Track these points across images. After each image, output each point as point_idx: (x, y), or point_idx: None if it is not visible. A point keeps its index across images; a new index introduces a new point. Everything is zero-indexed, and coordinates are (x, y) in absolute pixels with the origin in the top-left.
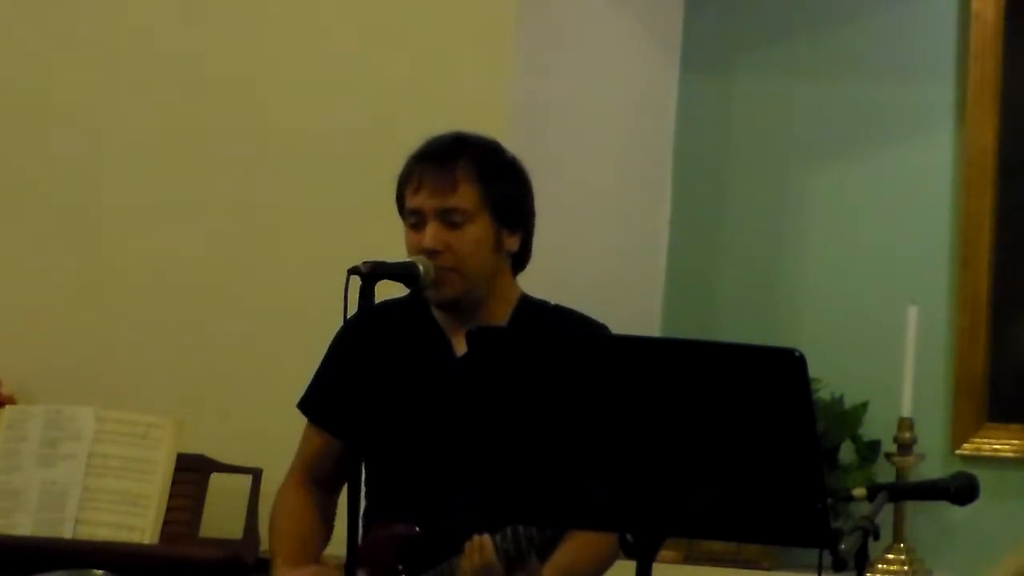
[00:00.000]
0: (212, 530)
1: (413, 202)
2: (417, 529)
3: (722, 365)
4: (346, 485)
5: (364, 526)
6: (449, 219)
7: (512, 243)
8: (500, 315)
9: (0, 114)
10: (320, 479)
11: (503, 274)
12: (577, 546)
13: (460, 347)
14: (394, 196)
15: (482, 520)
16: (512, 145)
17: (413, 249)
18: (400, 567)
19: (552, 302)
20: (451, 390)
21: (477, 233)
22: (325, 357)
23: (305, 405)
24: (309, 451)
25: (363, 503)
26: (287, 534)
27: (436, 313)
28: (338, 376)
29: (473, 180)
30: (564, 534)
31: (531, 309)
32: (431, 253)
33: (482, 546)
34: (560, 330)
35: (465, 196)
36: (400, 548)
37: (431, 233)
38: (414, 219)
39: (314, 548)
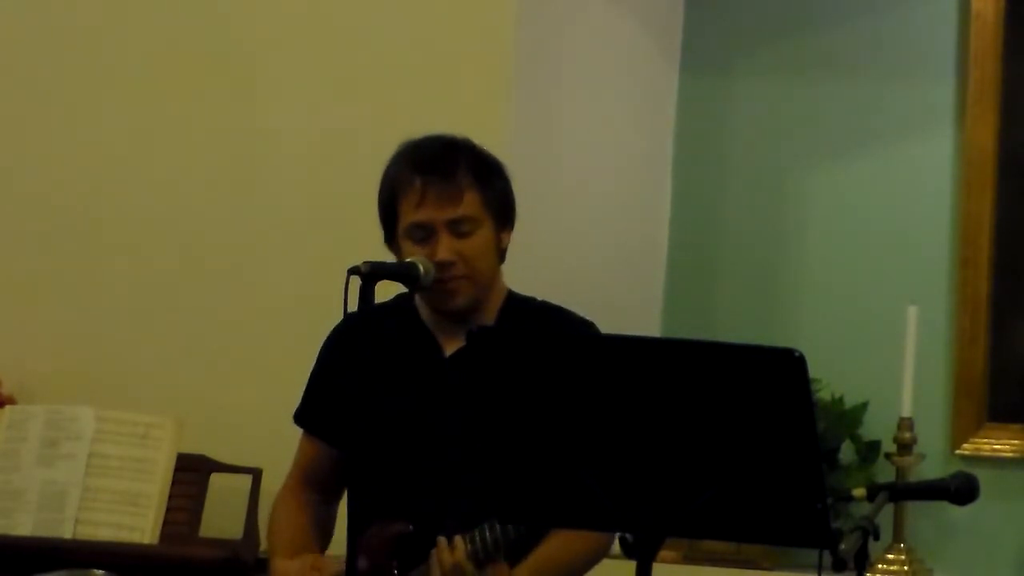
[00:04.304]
0: (212, 530)
1: (418, 216)
2: (411, 527)
3: (722, 365)
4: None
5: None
6: (458, 229)
7: (506, 240)
8: (488, 313)
9: None
10: (317, 486)
11: (498, 273)
12: (557, 543)
13: (448, 348)
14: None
15: (477, 518)
16: (512, 146)
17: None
18: (395, 565)
19: (538, 299)
20: (440, 391)
21: (484, 238)
22: (315, 365)
23: (299, 416)
24: (305, 459)
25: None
26: (284, 534)
27: (424, 314)
28: (328, 384)
29: (474, 186)
30: (537, 533)
31: (517, 306)
32: (444, 265)
33: (453, 547)
34: (549, 328)
35: (470, 204)
36: (395, 546)
37: (445, 244)
38: (421, 233)
39: (310, 549)
